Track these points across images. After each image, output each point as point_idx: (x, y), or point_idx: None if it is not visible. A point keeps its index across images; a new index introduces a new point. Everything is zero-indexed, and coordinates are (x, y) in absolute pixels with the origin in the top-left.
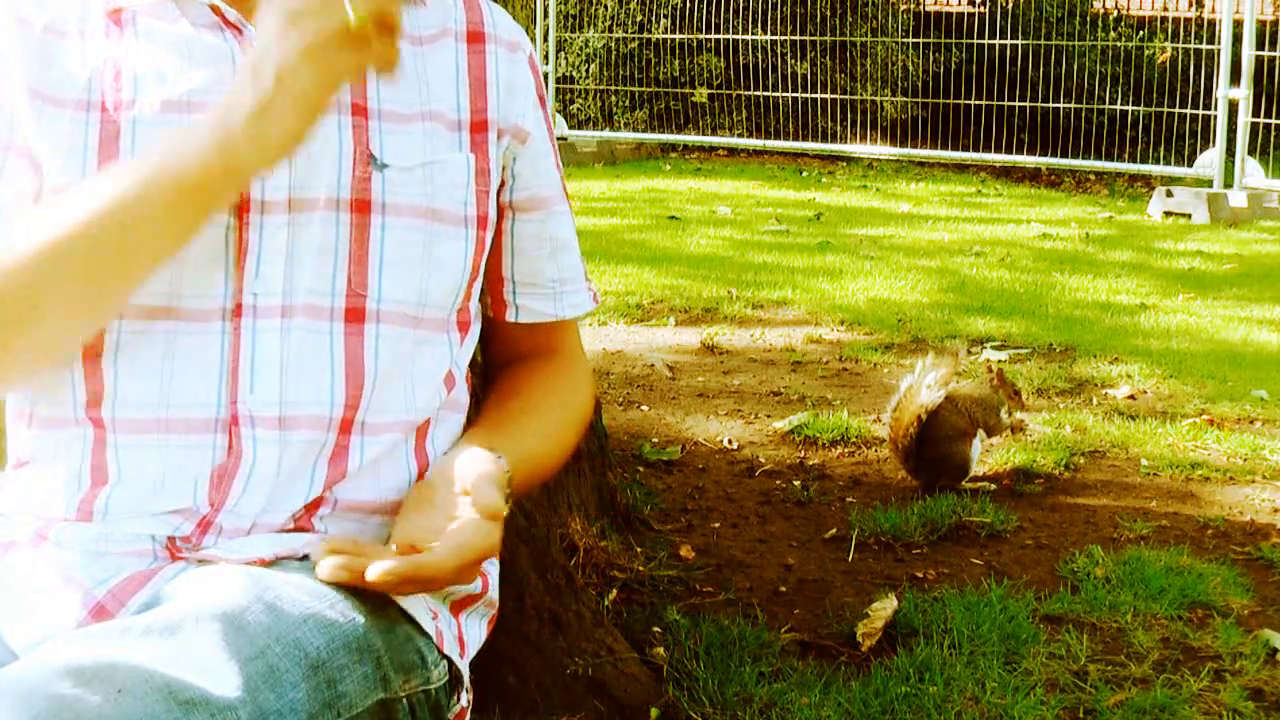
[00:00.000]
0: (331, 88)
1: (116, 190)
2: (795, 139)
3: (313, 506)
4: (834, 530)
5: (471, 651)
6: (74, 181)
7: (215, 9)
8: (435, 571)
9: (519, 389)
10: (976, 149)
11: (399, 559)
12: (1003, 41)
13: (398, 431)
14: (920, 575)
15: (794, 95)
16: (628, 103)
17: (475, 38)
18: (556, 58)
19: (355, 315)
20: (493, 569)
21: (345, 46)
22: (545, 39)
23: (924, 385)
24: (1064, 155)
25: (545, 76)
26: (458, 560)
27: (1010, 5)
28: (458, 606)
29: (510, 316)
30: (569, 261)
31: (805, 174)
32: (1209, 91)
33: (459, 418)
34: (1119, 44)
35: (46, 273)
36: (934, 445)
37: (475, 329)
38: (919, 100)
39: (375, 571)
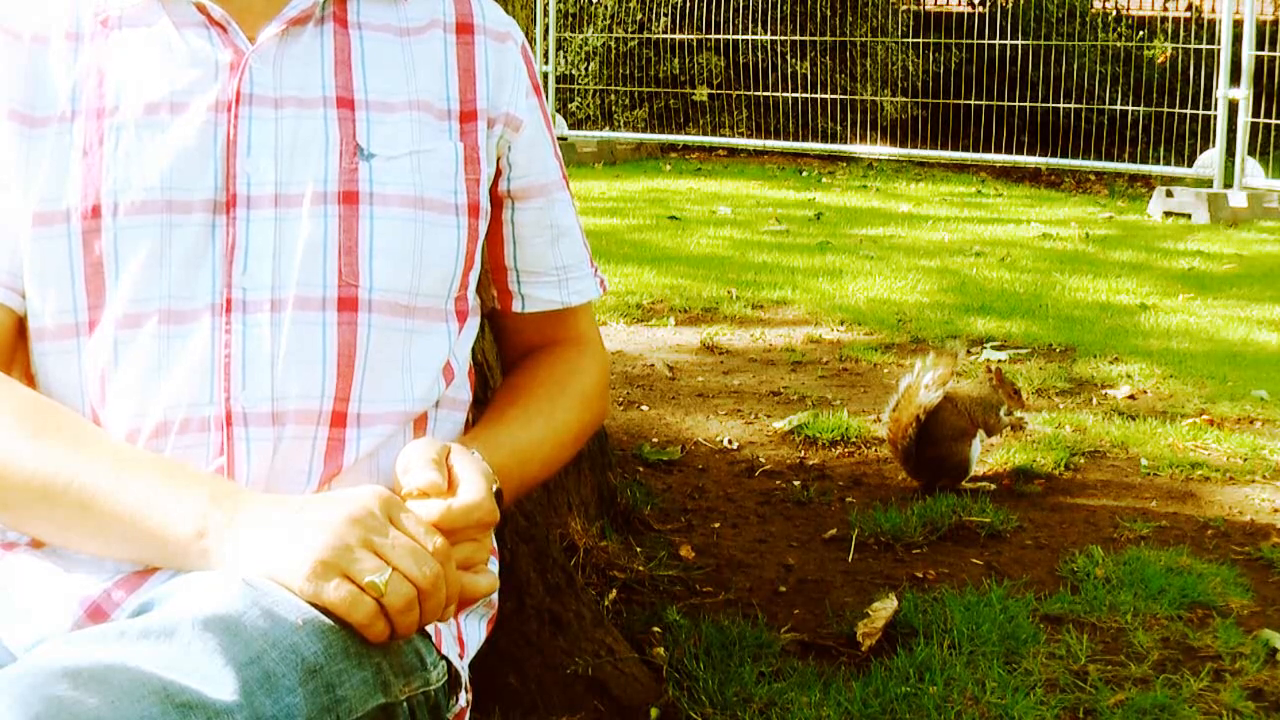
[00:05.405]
0: (318, 585)
1: (93, 491)
2: (795, 139)
3: None
4: (834, 530)
5: (470, 652)
6: (59, 194)
7: (201, 7)
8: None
9: (514, 381)
10: (977, 149)
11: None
12: (1003, 41)
13: (394, 423)
14: (920, 575)
15: (794, 95)
16: (627, 102)
17: (464, 29)
18: (556, 56)
19: (348, 305)
20: (492, 568)
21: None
22: (545, 37)
23: (922, 385)
24: (1064, 155)
25: (545, 76)
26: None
27: (1010, 5)
28: (457, 607)
29: (517, 307)
30: (572, 248)
31: (805, 174)
32: (1209, 91)
33: (460, 416)
34: (1119, 44)
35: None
36: (934, 445)
37: (474, 320)
38: (919, 100)
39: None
